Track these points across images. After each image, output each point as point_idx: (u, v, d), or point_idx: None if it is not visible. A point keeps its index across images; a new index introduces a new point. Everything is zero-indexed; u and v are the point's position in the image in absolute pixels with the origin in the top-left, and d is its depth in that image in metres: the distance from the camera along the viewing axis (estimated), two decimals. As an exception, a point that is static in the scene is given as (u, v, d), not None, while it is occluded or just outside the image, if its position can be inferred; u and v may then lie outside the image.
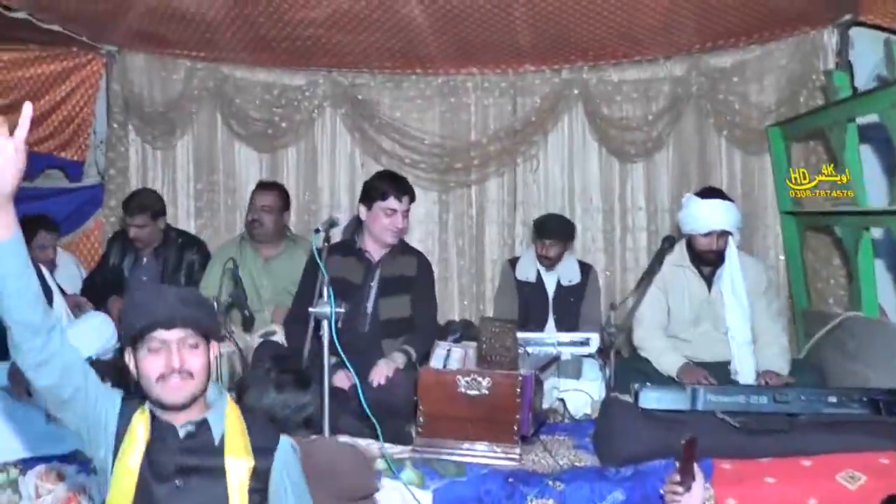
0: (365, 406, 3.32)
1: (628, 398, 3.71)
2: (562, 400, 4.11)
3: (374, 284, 4.02)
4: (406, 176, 5.66)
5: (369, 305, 4.00)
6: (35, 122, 5.92)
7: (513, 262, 5.35)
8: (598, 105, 5.71)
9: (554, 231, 5.11)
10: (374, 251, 4.07)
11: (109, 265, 5.28)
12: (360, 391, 3.34)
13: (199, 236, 5.64)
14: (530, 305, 5.19)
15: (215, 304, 4.21)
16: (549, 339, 4.44)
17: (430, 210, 6.03)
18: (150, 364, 2.27)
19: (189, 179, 6.17)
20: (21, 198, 5.26)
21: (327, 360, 3.32)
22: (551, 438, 3.73)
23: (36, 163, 6.01)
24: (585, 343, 4.40)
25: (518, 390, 3.45)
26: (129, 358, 2.34)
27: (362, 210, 4.08)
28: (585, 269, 5.27)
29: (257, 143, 6.07)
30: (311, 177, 6.07)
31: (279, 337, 4.26)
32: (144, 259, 5.24)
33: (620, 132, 5.70)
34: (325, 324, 3.29)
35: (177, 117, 6.02)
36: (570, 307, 5.14)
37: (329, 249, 3.63)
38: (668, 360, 4.18)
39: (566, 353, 4.35)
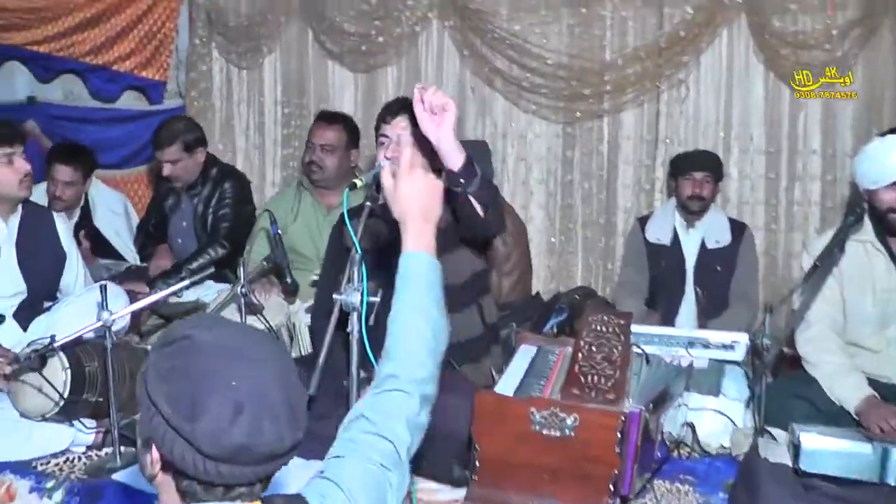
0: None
1: (780, 446, 2.65)
2: (691, 425, 3.08)
3: None
4: (525, 103, 4.97)
5: None
6: (116, 38, 5.65)
7: (643, 220, 4.42)
8: (767, 16, 4.55)
9: (704, 161, 4.19)
10: None
11: (157, 208, 4.70)
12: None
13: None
14: (663, 277, 4.25)
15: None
16: (679, 337, 3.38)
17: (551, 145, 5.09)
18: None
19: (276, 103, 5.58)
20: (99, 120, 5.08)
21: (355, 370, 2.47)
22: (670, 488, 2.76)
23: (116, 82, 5.80)
24: (729, 347, 3.32)
25: (619, 435, 2.47)
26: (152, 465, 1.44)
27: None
28: (738, 228, 4.27)
29: (352, 61, 5.32)
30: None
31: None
32: (183, 201, 4.61)
33: (794, 51, 4.51)
34: (352, 317, 2.44)
35: (263, 32, 5.45)
36: (717, 279, 4.17)
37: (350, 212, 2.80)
38: (844, 386, 3.08)
39: (701, 357, 3.30)
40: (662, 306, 4.16)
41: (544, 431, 2.52)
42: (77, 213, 4.75)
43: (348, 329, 2.48)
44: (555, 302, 4.08)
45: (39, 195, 4.64)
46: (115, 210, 4.89)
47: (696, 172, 4.13)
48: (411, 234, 1.94)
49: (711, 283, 4.13)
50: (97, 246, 4.68)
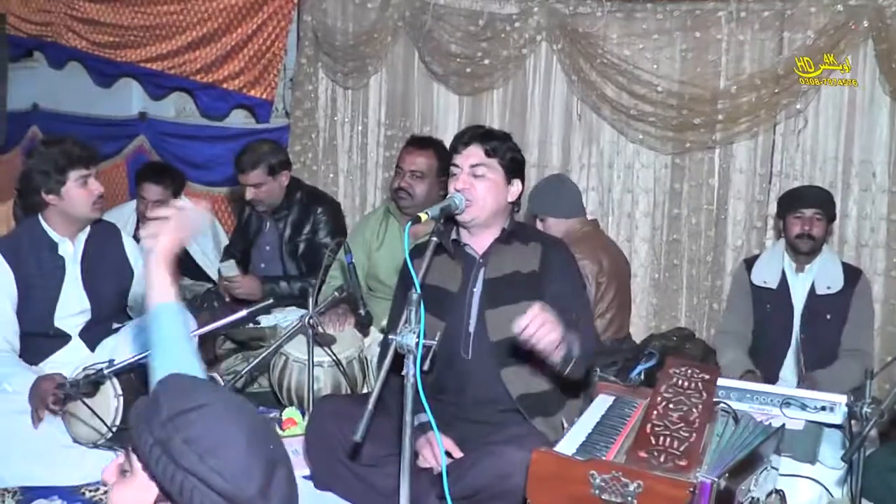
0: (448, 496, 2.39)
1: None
2: (781, 493, 2.82)
3: (478, 290, 2.94)
4: (632, 132, 4.83)
5: (472, 322, 2.92)
6: (227, 57, 5.75)
7: (749, 262, 4.16)
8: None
9: (815, 198, 3.92)
10: (477, 242, 2.99)
11: (243, 233, 4.65)
12: (444, 474, 2.39)
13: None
14: (767, 324, 4.00)
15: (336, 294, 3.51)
16: (773, 395, 3.12)
17: (659, 176, 4.89)
18: None
19: (380, 125, 5.57)
20: (206, 137, 5.15)
21: (409, 416, 2.32)
22: (748, 568, 2.50)
23: (226, 101, 5.90)
24: (828, 409, 3.04)
25: (686, 507, 2.25)
26: None
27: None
28: (853, 273, 3.97)
29: (457, 83, 5.27)
30: (517, 127, 5.09)
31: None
32: (267, 225, 4.55)
33: (924, 81, 4.20)
34: (408, 360, 2.30)
35: (369, 52, 5.47)
36: (826, 328, 3.88)
37: (415, 248, 2.83)
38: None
39: (797, 418, 3.03)
40: (765, 357, 3.90)
41: (604, 496, 2.31)
42: None
43: (403, 372, 2.34)
44: (646, 345, 3.84)
45: (130, 212, 4.73)
46: (202, 230, 4.87)
47: (805, 209, 3.86)
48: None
49: (820, 333, 3.86)
50: (184, 265, 4.71)
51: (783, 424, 2.89)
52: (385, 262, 4.15)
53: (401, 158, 4.20)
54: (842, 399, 3.07)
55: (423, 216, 2.54)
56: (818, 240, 3.87)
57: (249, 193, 4.35)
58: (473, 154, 2.89)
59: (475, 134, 2.93)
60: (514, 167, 2.95)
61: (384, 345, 3.13)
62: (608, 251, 4.09)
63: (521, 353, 2.83)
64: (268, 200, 4.41)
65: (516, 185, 2.95)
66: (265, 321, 3.98)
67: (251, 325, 3.88)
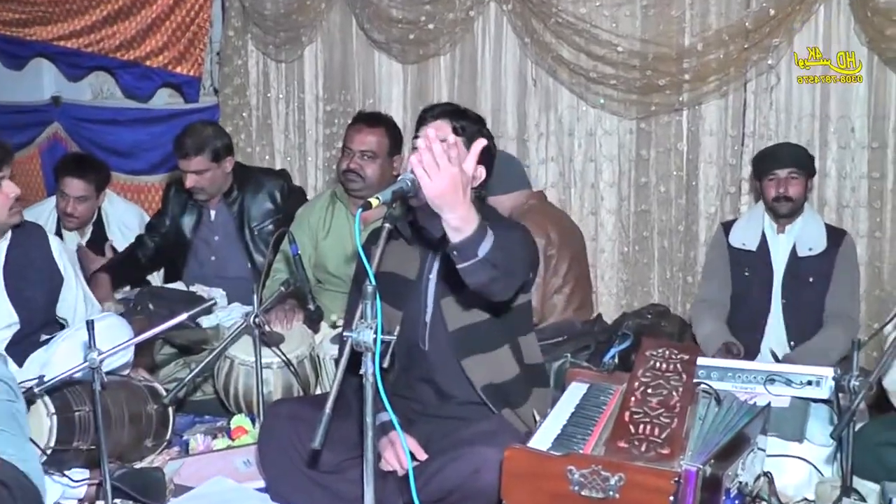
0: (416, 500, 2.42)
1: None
2: (769, 474, 2.90)
3: (434, 277, 2.97)
4: (593, 97, 4.87)
5: (428, 311, 2.96)
6: (148, 31, 5.70)
7: (727, 225, 4.24)
8: (871, -12, 4.34)
9: (790, 157, 4.01)
10: (437, 224, 2.93)
11: (167, 221, 4.67)
12: (411, 477, 2.43)
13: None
14: (748, 288, 4.09)
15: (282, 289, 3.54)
16: (757, 371, 3.21)
17: (623, 142, 4.95)
18: None
19: (318, 100, 5.58)
20: (129, 121, 5.11)
21: (370, 419, 2.33)
22: (736, 556, 2.58)
23: (150, 79, 5.90)
24: (814, 383, 3.12)
25: (671, 498, 2.30)
26: None
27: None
28: (836, 235, 4.08)
29: (400, 51, 5.29)
30: (468, 95, 5.14)
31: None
32: (212, 213, 4.58)
33: (900, 30, 4.31)
34: (366, 358, 2.30)
35: (302, 20, 5.48)
36: (809, 292, 3.98)
37: (370, 235, 2.96)
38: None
39: (783, 395, 3.11)
40: (746, 326, 3.99)
41: (584, 492, 2.36)
42: (89, 230, 4.79)
43: (361, 371, 2.35)
44: (619, 325, 3.90)
45: (49, 210, 4.68)
46: (129, 225, 4.89)
47: (779, 170, 3.94)
48: None
49: (803, 297, 3.95)
50: (125, 269, 4.69)
51: (769, 403, 2.97)
52: (334, 251, 4.15)
53: (348, 138, 4.19)
54: (828, 372, 3.14)
55: (374, 201, 2.52)
56: (796, 200, 3.95)
57: (190, 181, 4.35)
58: (441, 129, 2.86)
59: (446, 109, 2.96)
60: (481, 153, 2.96)
61: (340, 342, 3.15)
62: (556, 222, 4.18)
63: (482, 340, 2.90)
64: (210, 189, 4.42)
65: (479, 172, 2.92)
66: (206, 322, 3.98)
67: (191, 326, 3.87)
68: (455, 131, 2.87)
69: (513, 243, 2.69)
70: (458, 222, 2.42)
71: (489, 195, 4.05)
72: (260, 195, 4.55)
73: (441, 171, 2.35)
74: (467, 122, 2.92)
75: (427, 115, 2.97)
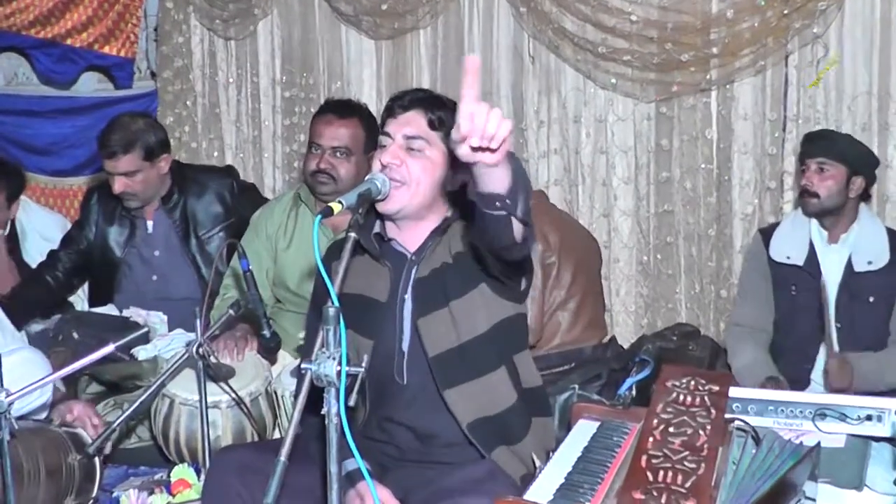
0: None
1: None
2: (818, 528, 2.91)
3: (409, 296, 2.98)
4: (603, 76, 4.92)
5: (405, 337, 2.97)
6: (69, 4, 5.77)
7: (767, 233, 4.25)
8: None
9: (824, 143, 4.05)
10: (408, 236, 3.03)
11: (90, 236, 4.69)
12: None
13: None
14: (794, 310, 4.11)
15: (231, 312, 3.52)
16: (804, 404, 3.20)
17: (641, 130, 5.02)
18: None
19: (274, 84, 5.67)
20: (48, 112, 5.11)
21: (333, 466, 2.32)
22: None
23: (72, 62, 5.94)
24: (875, 418, 3.13)
25: (695, 560, 2.31)
26: None
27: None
28: None
29: (372, 25, 5.38)
30: (453, 77, 5.20)
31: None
32: (149, 224, 4.62)
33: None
34: (328, 395, 2.30)
35: None
36: (867, 313, 4.02)
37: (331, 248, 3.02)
38: None
39: (837, 433, 3.12)
40: (792, 355, 4.01)
41: (592, 553, 2.37)
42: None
43: (323, 410, 2.36)
44: (638, 349, 3.91)
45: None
46: (50, 238, 4.89)
47: (809, 159, 4.00)
48: None
49: (861, 320, 3.99)
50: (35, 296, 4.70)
51: (818, 443, 2.97)
52: (296, 264, 4.16)
53: (315, 132, 4.20)
54: (891, 405, 3.15)
55: (336, 206, 2.55)
56: (825, 199, 3.99)
57: (119, 185, 4.37)
58: (413, 121, 2.90)
59: (418, 97, 2.96)
60: None
61: (298, 376, 3.14)
62: (558, 224, 4.23)
63: (471, 365, 2.90)
64: (143, 194, 4.45)
65: (461, 174, 2.96)
66: (143, 353, 3.99)
67: (124, 359, 3.87)
68: (431, 125, 2.89)
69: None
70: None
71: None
72: (205, 197, 4.59)
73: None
74: (445, 113, 2.92)
75: (395, 106, 2.97)
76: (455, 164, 2.86)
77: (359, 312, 2.88)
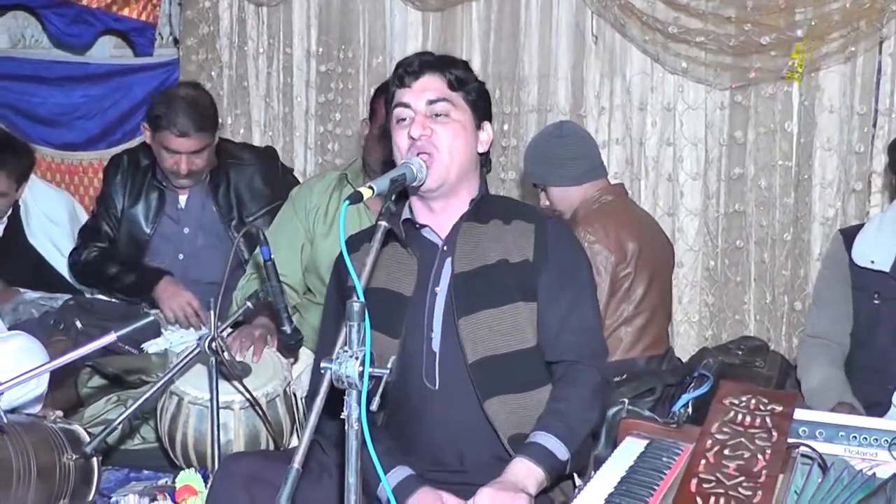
0: None
1: None
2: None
3: (443, 290, 3.00)
4: (672, 59, 4.95)
5: (435, 337, 2.98)
6: None
7: (849, 234, 4.18)
8: None
9: None
10: (440, 220, 3.04)
11: (116, 214, 4.73)
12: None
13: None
14: (876, 322, 4.04)
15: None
16: (879, 431, 3.19)
17: (713, 121, 5.04)
18: None
19: (309, 56, 5.69)
20: (60, 79, 5.19)
21: (353, 476, 2.35)
22: None
23: (88, 24, 5.98)
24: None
25: None
26: None
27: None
28: None
29: None
30: (507, 55, 5.27)
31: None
32: (181, 199, 4.71)
33: None
34: (349, 398, 2.34)
35: None
36: None
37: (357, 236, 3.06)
38: None
39: (910, 463, 3.11)
40: (871, 374, 3.97)
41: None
42: (2, 223, 4.88)
43: (343, 414, 2.38)
44: (697, 363, 3.92)
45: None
46: (55, 220, 4.97)
47: None
48: None
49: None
50: (33, 271, 4.77)
51: (894, 474, 2.96)
52: (334, 254, 4.07)
53: (375, 105, 4.21)
54: None
55: (367, 192, 2.57)
56: None
57: (187, 164, 4.47)
58: (430, 85, 2.92)
59: (430, 59, 2.99)
60: (485, 105, 3.03)
61: (315, 376, 3.17)
62: (637, 229, 4.15)
63: (514, 376, 2.92)
64: (205, 171, 4.59)
65: (487, 130, 3.01)
66: (154, 346, 4.03)
67: (130, 351, 3.90)
68: (450, 86, 2.93)
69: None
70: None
71: (550, 185, 4.10)
72: (249, 175, 4.68)
73: None
74: (461, 71, 2.98)
75: (406, 74, 2.97)
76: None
77: (383, 308, 2.88)
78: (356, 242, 2.97)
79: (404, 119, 2.92)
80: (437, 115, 2.90)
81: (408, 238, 3.01)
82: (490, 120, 3.05)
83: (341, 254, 2.96)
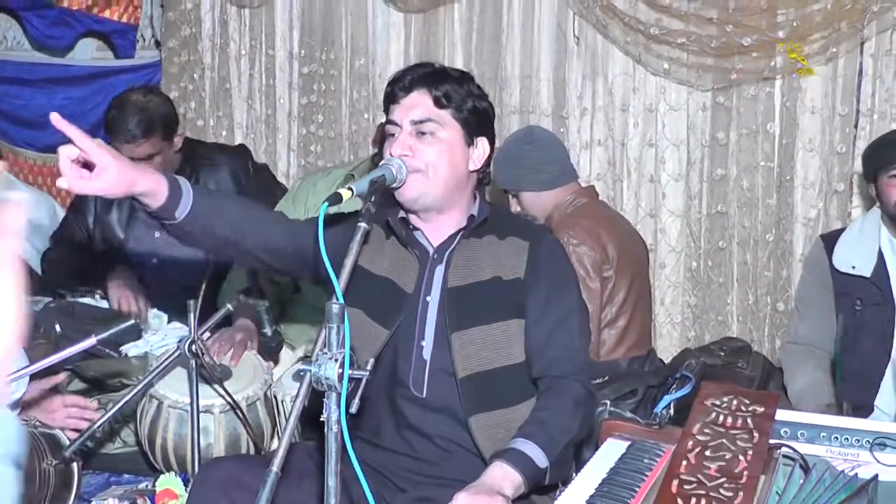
0: None
1: None
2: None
3: (434, 300, 2.99)
4: (655, 60, 4.96)
5: (426, 344, 2.97)
6: None
7: (830, 240, 4.21)
8: None
9: None
10: (431, 229, 3.04)
11: (87, 220, 4.74)
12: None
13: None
14: (859, 327, 4.07)
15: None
16: (860, 432, 3.19)
17: (695, 122, 5.01)
18: None
19: (292, 58, 5.69)
20: (40, 81, 5.14)
21: (332, 480, 2.35)
22: None
23: (69, 26, 6.02)
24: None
25: None
26: None
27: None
28: None
29: None
30: (489, 56, 5.28)
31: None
32: None
33: None
34: (328, 400, 2.34)
35: None
36: None
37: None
38: None
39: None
40: (854, 378, 3.97)
41: None
42: None
43: (322, 416, 2.36)
44: (679, 364, 3.92)
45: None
46: (34, 221, 4.92)
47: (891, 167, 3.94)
48: None
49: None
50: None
51: (875, 475, 2.96)
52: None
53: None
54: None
55: (346, 193, 2.57)
56: None
57: None
58: (417, 103, 2.91)
59: (420, 75, 2.95)
60: (478, 121, 2.98)
61: (299, 378, 3.15)
62: (614, 231, 4.18)
63: (501, 392, 2.92)
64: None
65: (481, 146, 2.97)
66: (132, 349, 4.02)
67: (111, 354, 3.89)
68: (437, 103, 2.90)
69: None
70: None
71: (523, 190, 4.09)
72: (219, 176, 4.65)
73: None
74: (451, 86, 2.94)
75: (396, 90, 2.96)
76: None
77: (380, 296, 2.92)
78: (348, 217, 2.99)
79: (393, 135, 2.93)
80: (422, 134, 2.90)
81: (406, 236, 3.02)
82: (489, 135, 3.02)
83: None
